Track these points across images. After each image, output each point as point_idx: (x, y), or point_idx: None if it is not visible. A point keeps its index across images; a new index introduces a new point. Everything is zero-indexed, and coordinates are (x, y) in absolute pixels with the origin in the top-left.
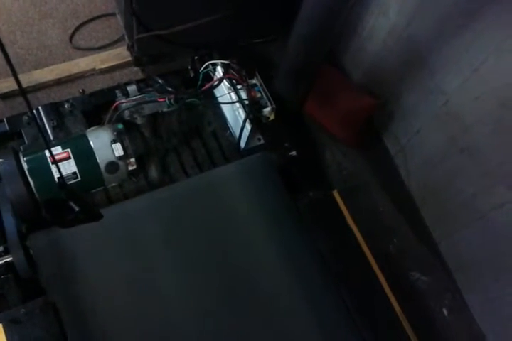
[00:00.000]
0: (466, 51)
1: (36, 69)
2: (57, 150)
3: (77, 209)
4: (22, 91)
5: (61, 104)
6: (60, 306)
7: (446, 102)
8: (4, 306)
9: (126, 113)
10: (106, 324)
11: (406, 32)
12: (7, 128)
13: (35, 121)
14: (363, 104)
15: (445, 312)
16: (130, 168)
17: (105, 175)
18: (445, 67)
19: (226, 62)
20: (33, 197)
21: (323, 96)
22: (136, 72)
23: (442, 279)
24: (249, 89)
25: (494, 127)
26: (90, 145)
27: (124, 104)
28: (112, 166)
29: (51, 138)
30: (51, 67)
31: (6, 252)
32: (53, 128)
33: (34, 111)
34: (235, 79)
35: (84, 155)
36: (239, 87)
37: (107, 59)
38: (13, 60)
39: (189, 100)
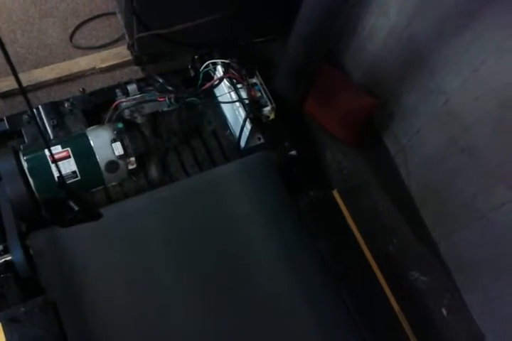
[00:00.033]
0: (466, 51)
1: (36, 68)
2: (57, 149)
3: (76, 208)
4: (22, 90)
5: (61, 103)
6: (60, 305)
7: (447, 102)
8: (4, 305)
9: (127, 112)
10: (106, 323)
11: (406, 32)
12: (7, 127)
13: (34, 120)
14: (363, 104)
15: (444, 312)
16: (130, 167)
17: (105, 174)
18: (445, 67)
19: (226, 61)
20: (33, 197)
21: (323, 95)
22: (136, 71)
23: (442, 279)
24: (250, 88)
25: (494, 127)
26: (90, 145)
27: (124, 103)
28: (112, 165)
29: (51, 137)
30: (51, 66)
31: (6, 251)
32: (53, 127)
33: (34, 110)
34: (235, 79)
35: (84, 155)
36: (239, 86)
37: (107, 58)
38: (13, 59)
39: (189, 99)
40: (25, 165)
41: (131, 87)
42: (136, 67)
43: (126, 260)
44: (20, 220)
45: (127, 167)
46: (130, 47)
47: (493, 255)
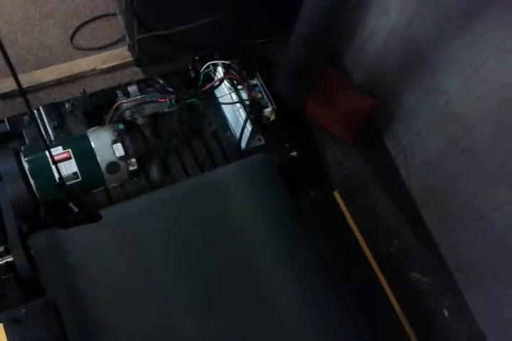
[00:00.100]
0: (467, 52)
1: (37, 69)
2: (58, 150)
3: (76, 210)
4: (22, 92)
5: (62, 104)
6: (61, 306)
7: (447, 103)
8: (5, 306)
9: (127, 113)
10: (107, 323)
11: (407, 32)
12: (8, 128)
13: (35, 121)
14: (364, 105)
15: (446, 312)
16: (131, 168)
17: (106, 176)
18: (446, 67)
19: (227, 62)
20: (34, 197)
21: (323, 96)
22: (137, 73)
23: (443, 280)
24: (250, 89)
25: (495, 128)
26: (91, 146)
27: (125, 104)
28: (113, 166)
29: (52, 138)
30: (52, 67)
31: (7, 252)
32: (54, 129)
33: (35, 111)
34: (235, 80)
35: (85, 156)
36: (239, 87)
37: (108, 59)
38: (13, 60)
39: (190, 100)
40: (26, 166)
41: (132, 88)
42: (136, 68)
43: (127, 261)
44: (21, 221)
45: (128, 168)
46: (131, 48)
47: (493, 255)
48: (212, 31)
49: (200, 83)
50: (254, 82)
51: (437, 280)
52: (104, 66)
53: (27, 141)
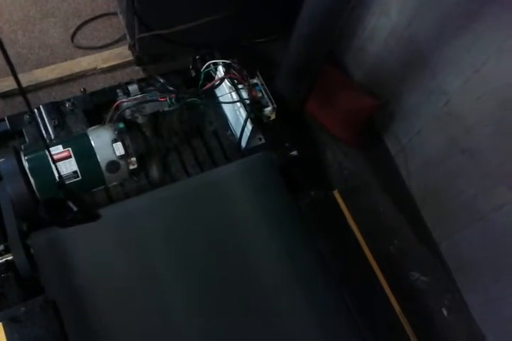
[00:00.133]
0: (468, 52)
1: (38, 68)
2: (58, 149)
3: (75, 209)
4: (22, 91)
5: (62, 103)
6: (61, 305)
7: (447, 103)
8: (4, 305)
9: (128, 112)
10: (106, 322)
11: (407, 32)
12: (8, 127)
13: (35, 121)
14: (364, 104)
15: (445, 312)
16: (131, 167)
17: (106, 175)
18: (446, 67)
19: (227, 61)
20: (34, 196)
21: (324, 96)
22: (137, 72)
23: (442, 279)
24: (251, 88)
25: (495, 128)
26: (91, 145)
27: (125, 104)
28: (113, 165)
29: (52, 137)
30: (53, 66)
31: (7, 251)
32: (54, 127)
33: (35, 110)
34: (236, 79)
35: (85, 155)
36: (240, 86)
37: (109, 58)
38: (14, 59)
39: (190, 99)
40: (26, 165)
41: (132, 87)
42: (137, 68)
43: (127, 260)
44: (21, 220)
45: (128, 167)
46: (131, 47)
47: (493, 255)
48: (212, 30)
49: (200, 82)
50: (255, 81)
51: (437, 279)
52: (104, 65)
53: (27, 140)
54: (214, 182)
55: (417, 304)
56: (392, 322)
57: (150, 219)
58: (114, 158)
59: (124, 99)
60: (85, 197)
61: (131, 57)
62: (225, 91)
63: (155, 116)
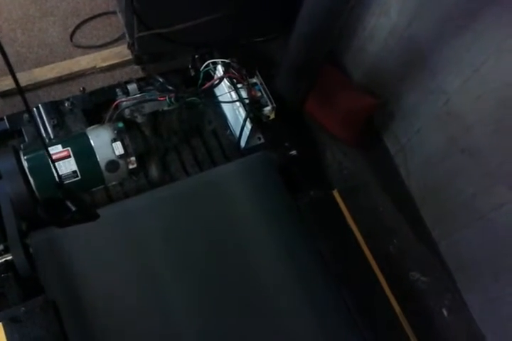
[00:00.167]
0: (467, 51)
1: (37, 67)
2: (57, 148)
3: (73, 208)
4: (20, 91)
5: (61, 102)
6: (60, 305)
7: (447, 102)
8: (4, 305)
9: (127, 111)
10: (106, 322)
11: (407, 32)
12: (7, 126)
13: (34, 120)
14: (364, 104)
15: (445, 312)
16: (130, 166)
17: (105, 174)
18: (446, 67)
19: (227, 61)
20: (33, 196)
21: (323, 95)
22: (136, 71)
23: (442, 279)
24: (250, 88)
25: (495, 127)
26: (91, 144)
27: (125, 103)
28: (113, 165)
29: (51, 136)
30: (52, 65)
31: (6, 251)
32: (54, 127)
33: (34, 109)
34: (235, 78)
35: (84, 154)
36: (239, 85)
37: (108, 57)
38: (13, 58)
39: (189, 99)
40: (25, 164)
41: (132, 87)
42: (136, 67)
43: (127, 259)
44: (20, 219)
45: (127, 166)
46: (130, 46)
47: (493, 255)
48: (212, 29)
49: (199, 81)
50: (254, 80)
51: (436, 279)
52: (103, 64)
53: (26, 139)
54: (213, 182)
55: (416, 304)
56: (392, 322)
57: (149, 219)
58: (113, 157)
59: (123, 99)
60: (84, 196)
61: (130, 56)
62: (224, 91)
63: (154, 116)
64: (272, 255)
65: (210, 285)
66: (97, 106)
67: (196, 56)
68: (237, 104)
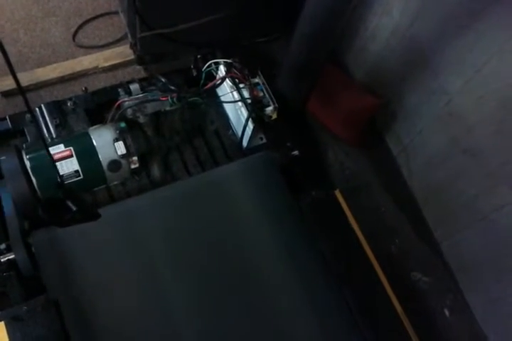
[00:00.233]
0: (469, 52)
1: (39, 67)
2: (59, 148)
3: (74, 208)
4: (21, 91)
5: (64, 102)
6: (62, 304)
7: (449, 103)
8: (6, 304)
9: (129, 111)
10: (107, 322)
11: (409, 32)
12: (10, 126)
13: (35, 120)
14: (366, 104)
15: (447, 312)
16: (132, 166)
17: (107, 174)
18: (448, 67)
19: (229, 61)
20: (36, 195)
21: (325, 95)
22: (138, 71)
23: (444, 280)
24: (252, 88)
25: (497, 128)
26: (93, 144)
27: (127, 103)
28: (115, 165)
29: (54, 136)
30: (54, 65)
31: (9, 250)
32: (56, 127)
33: (37, 109)
34: (237, 78)
35: (86, 154)
36: (241, 85)
37: (110, 57)
38: (16, 58)
39: (192, 99)
40: (27, 163)
41: (134, 87)
42: (138, 67)
43: (128, 258)
44: (22, 218)
45: (129, 166)
46: (133, 46)
47: (495, 256)
48: (214, 30)
49: (202, 82)
50: (256, 80)
51: (438, 280)
52: (106, 64)
53: (29, 139)
54: (215, 182)
55: (418, 304)
56: (394, 323)
57: (151, 219)
58: (115, 157)
59: (125, 99)
60: (85, 196)
61: (132, 56)
62: (226, 91)
63: (156, 116)
64: (274, 255)
65: (211, 284)
66: (99, 106)
67: (198, 56)
68: (239, 104)
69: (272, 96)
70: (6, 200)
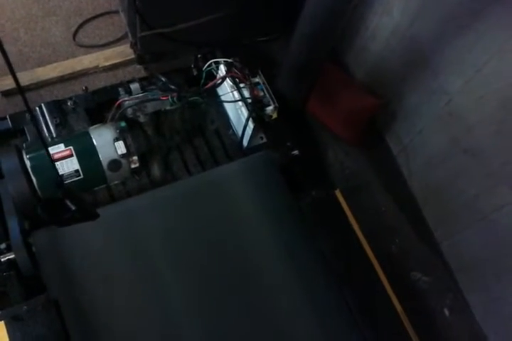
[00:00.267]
0: (469, 52)
1: (39, 66)
2: (59, 147)
3: (73, 208)
4: (20, 90)
5: (64, 101)
6: (62, 303)
7: (449, 102)
8: (6, 303)
9: (129, 111)
10: (107, 321)
11: (409, 31)
12: (10, 125)
13: (35, 120)
14: (366, 104)
15: (446, 312)
16: (133, 166)
17: (108, 173)
18: (448, 67)
19: (229, 60)
20: (36, 195)
21: (326, 95)
22: (139, 70)
23: (444, 279)
24: (252, 87)
25: (497, 128)
26: (93, 143)
27: (127, 102)
28: (115, 164)
29: (54, 135)
30: (54, 65)
31: (9, 249)
32: (56, 126)
33: (37, 108)
34: (237, 78)
35: (86, 153)
36: (242, 85)
37: (111, 56)
38: (16, 58)
39: (192, 98)
40: (28, 163)
41: (134, 86)
42: (139, 66)
43: (128, 258)
44: (22, 218)
45: (130, 166)
46: (133, 45)
47: (495, 255)
48: (214, 29)
49: (202, 81)
50: (256, 80)
51: (438, 279)
52: (106, 63)
53: (29, 138)
54: (215, 181)
55: (418, 304)
56: (394, 322)
57: (152, 218)
58: (115, 156)
59: (125, 98)
60: (84, 196)
61: (132, 56)
62: (226, 90)
63: (157, 115)
64: (274, 255)
65: (211, 284)
66: (99, 105)
67: (199, 55)
68: (240, 103)
69: (272, 96)
70: (6, 200)
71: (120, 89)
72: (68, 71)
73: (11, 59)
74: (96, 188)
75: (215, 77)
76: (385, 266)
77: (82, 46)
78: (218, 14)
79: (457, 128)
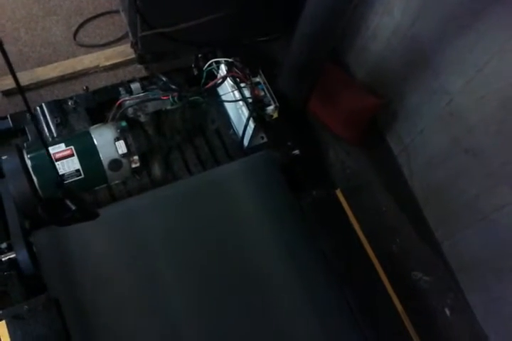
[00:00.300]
0: (470, 51)
1: (40, 66)
2: (60, 147)
3: (73, 207)
4: (20, 90)
5: (65, 101)
6: (63, 303)
7: (450, 102)
8: (7, 303)
9: (130, 110)
10: (108, 321)
11: (410, 31)
12: (11, 125)
13: (36, 119)
14: (367, 104)
15: (447, 312)
16: (133, 165)
17: (108, 173)
18: (449, 67)
19: (230, 60)
20: (37, 194)
21: (326, 95)
22: (139, 70)
23: (445, 279)
24: (253, 87)
25: (498, 127)
26: (94, 143)
27: (128, 102)
28: (115, 164)
29: (55, 135)
30: (55, 64)
31: (10, 249)
32: (57, 126)
33: (38, 108)
34: (238, 78)
35: (87, 153)
36: (242, 85)
37: (111, 56)
38: (16, 57)
39: (193, 98)
40: (28, 163)
41: (135, 86)
42: (139, 66)
43: (129, 258)
44: (23, 218)
45: (130, 165)
46: (134, 45)
47: (495, 255)
48: (215, 29)
49: (203, 81)
50: (257, 79)
51: (439, 279)
52: (107, 63)
53: (30, 138)
54: (216, 181)
55: (419, 303)
56: (394, 322)
57: (152, 218)
58: (116, 156)
59: (126, 98)
60: (84, 195)
61: (133, 56)
62: (227, 90)
63: (157, 115)
64: (274, 254)
65: (212, 284)
66: (100, 105)
67: (199, 55)
68: (240, 103)
69: (273, 96)
70: (7, 199)
71: (121, 88)
72: (69, 71)
73: (12, 59)
74: (97, 188)
75: (215, 76)
76: (386, 265)
77: (82, 46)
78: (219, 14)
79: (458, 128)
